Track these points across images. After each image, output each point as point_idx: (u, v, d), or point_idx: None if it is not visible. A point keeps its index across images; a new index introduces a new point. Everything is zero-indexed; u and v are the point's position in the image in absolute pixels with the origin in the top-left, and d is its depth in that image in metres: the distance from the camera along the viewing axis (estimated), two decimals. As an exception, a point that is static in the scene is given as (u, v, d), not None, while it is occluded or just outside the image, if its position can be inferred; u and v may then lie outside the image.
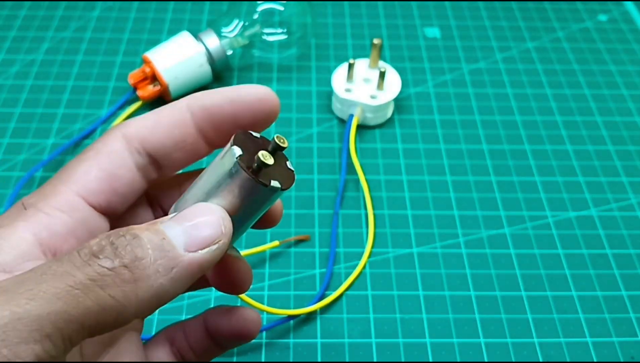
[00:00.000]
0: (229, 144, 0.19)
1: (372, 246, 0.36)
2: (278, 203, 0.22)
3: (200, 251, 0.17)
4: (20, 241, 0.17)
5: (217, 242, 0.17)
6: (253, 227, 0.21)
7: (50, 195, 0.19)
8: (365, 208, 0.38)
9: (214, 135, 0.20)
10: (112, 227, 0.20)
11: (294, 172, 0.20)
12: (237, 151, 0.18)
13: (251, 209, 0.19)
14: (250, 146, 0.19)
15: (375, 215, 0.38)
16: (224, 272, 0.22)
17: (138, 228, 0.17)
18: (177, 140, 0.20)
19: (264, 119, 0.20)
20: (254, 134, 0.20)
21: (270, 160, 0.18)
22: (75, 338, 0.15)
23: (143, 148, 0.20)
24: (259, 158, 0.18)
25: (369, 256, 0.36)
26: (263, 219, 0.21)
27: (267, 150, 0.19)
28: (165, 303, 0.17)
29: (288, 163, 0.20)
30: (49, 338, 0.14)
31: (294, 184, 0.19)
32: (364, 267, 0.36)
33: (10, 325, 0.14)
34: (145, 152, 0.20)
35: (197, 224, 0.17)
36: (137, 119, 0.20)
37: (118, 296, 0.16)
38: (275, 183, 0.18)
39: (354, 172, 0.40)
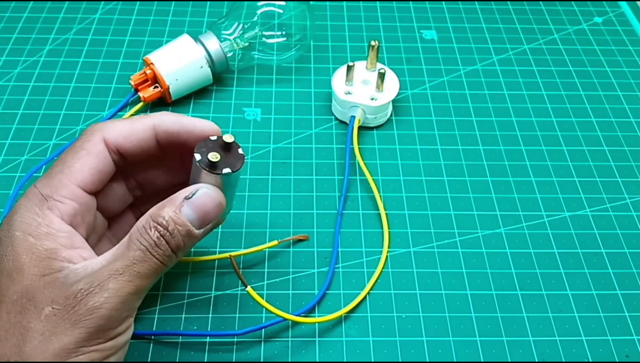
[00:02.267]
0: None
1: (389, 246, 0.37)
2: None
3: (205, 227, 0.27)
4: (61, 225, 0.26)
5: (214, 220, 0.27)
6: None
7: (60, 187, 0.26)
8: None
9: (167, 147, 0.29)
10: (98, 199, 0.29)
11: (244, 156, 0.28)
12: (197, 156, 0.27)
13: (226, 190, 0.28)
14: (208, 149, 0.27)
15: (387, 215, 0.38)
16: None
17: (170, 223, 0.25)
18: (142, 148, 0.29)
19: None
20: (211, 138, 0.28)
21: (216, 158, 0.27)
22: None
23: (117, 150, 0.28)
24: (209, 158, 0.27)
25: (387, 255, 0.36)
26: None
27: (218, 149, 0.27)
28: None
29: (240, 150, 0.28)
30: (142, 297, 0.26)
31: (242, 165, 0.28)
32: (385, 265, 0.36)
33: (134, 291, 0.25)
34: (118, 153, 0.28)
35: (207, 212, 0.26)
36: (114, 124, 0.28)
37: (171, 265, 0.26)
38: (226, 170, 0.27)
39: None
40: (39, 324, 0.23)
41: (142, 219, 0.26)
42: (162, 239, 0.25)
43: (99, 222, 0.30)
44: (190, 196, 0.26)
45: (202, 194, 0.26)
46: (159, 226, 0.25)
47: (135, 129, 0.28)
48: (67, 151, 0.28)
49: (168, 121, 0.28)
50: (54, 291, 0.24)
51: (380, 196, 0.39)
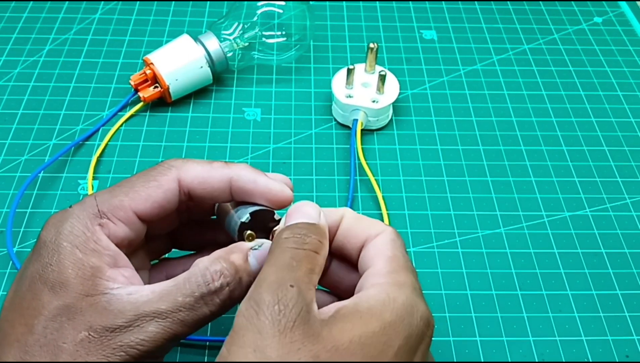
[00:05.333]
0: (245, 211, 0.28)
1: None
2: None
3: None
4: (108, 244, 0.25)
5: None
6: None
7: (119, 209, 0.26)
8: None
9: (239, 199, 0.28)
10: (149, 227, 0.28)
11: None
12: (244, 217, 0.27)
13: None
14: (257, 220, 0.27)
15: (389, 215, 0.39)
16: None
17: (240, 269, 0.25)
18: (213, 196, 0.28)
19: (278, 207, 0.28)
20: (276, 216, 0.28)
21: (249, 239, 0.27)
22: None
23: (189, 193, 0.28)
24: (245, 235, 0.27)
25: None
26: None
27: (260, 230, 0.27)
28: None
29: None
30: (180, 340, 0.25)
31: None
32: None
33: (172, 338, 0.24)
34: (189, 194, 0.28)
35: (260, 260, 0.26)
36: (192, 166, 0.28)
37: (218, 316, 0.25)
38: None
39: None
40: (72, 347, 0.23)
41: (206, 261, 0.25)
42: (226, 287, 0.24)
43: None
44: (257, 247, 0.26)
45: (266, 250, 0.26)
46: (226, 272, 0.25)
47: (212, 177, 0.28)
48: (140, 175, 0.27)
49: (245, 177, 0.28)
50: (94, 316, 0.23)
51: (382, 196, 0.39)
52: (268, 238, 0.27)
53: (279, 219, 0.28)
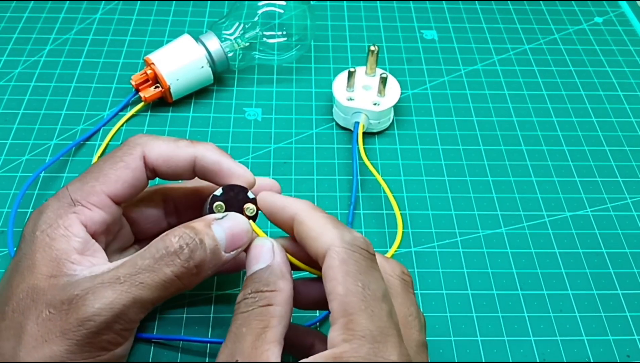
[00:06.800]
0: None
1: (399, 246, 0.37)
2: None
3: (232, 252, 0.26)
4: (79, 231, 0.26)
5: (243, 246, 0.26)
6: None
7: (91, 194, 0.27)
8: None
9: (202, 178, 0.29)
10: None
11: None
12: (217, 192, 0.28)
13: None
14: (231, 196, 0.28)
15: (391, 215, 0.38)
16: None
17: (200, 232, 0.25)
18: (177, 174, 0.28)
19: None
20: (250, 194, 0.28)
21: (219, 209, 0.27)
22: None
23: (154, 169, 0.28)
24: (214, 207, 0.27)
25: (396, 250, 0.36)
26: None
27: (235, 205, 0.28)
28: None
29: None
30: (146, 310, 0.25)
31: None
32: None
33: (132, 304, 0.24)
34: (154, 171, 0.28)
35: (235, 234, 0.26)
36: (157, 143, 0.28)
37: (188, 283, 0.25)
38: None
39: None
40: (34, 327, 0.23)
41: (169, 231, 0.25)
42: (185, 248, 0.24)
43: (125, 233, 0.30)
44: (220, 217, 0.26)
45: (232, 218, 0.27)
46: (185, 235, 0.25)
47: (176, 155, 0.28)
48: (107, 158, 0.28)
49: (210, 158, 0.28)
50: (54, 293, 0.24)
51: (393, 196, 0.39)
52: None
53: (253, 199, 0.28)
